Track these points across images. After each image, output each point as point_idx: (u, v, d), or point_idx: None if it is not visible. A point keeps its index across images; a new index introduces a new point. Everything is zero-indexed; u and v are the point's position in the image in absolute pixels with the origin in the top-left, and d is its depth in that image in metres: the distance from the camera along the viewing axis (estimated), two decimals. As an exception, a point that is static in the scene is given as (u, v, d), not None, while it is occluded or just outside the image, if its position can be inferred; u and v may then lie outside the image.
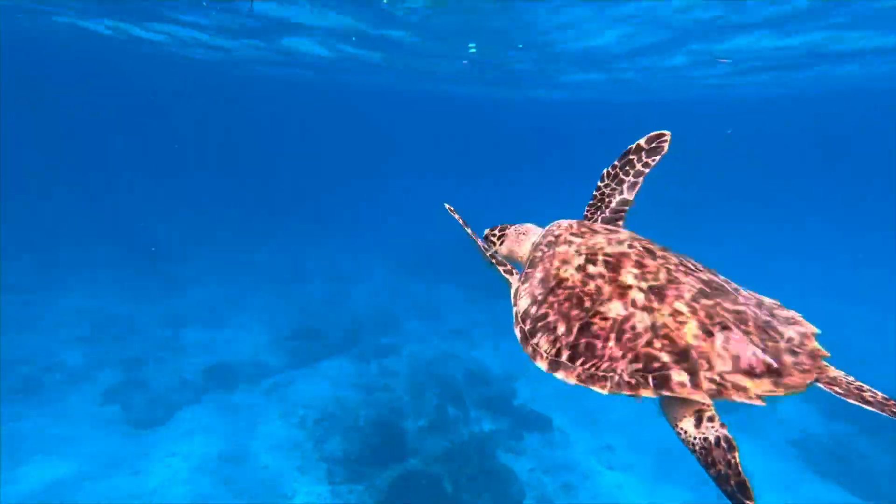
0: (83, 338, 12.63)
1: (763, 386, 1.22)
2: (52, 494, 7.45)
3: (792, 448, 10.60)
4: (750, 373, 1.25)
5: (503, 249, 2.29)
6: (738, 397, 1.22)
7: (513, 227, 2.30)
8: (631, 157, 2.04)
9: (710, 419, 1.27)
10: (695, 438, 1.26)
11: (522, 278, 1.90)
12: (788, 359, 1.27)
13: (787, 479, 9.59)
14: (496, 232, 2.36)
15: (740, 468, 1.16)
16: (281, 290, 17.39)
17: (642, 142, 2.02)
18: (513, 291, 1.92)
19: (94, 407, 9.83)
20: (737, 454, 1.19)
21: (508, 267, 2.05)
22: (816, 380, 1.24)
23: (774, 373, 1.24)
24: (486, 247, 2.19)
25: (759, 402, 1.21)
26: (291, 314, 15.04)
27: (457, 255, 22.82)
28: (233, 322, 14.33)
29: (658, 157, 2.00)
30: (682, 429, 1.31)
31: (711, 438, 1.23)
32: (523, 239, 2.18)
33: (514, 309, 1.83)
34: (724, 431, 1.24)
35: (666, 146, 1.97)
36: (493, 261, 2.07)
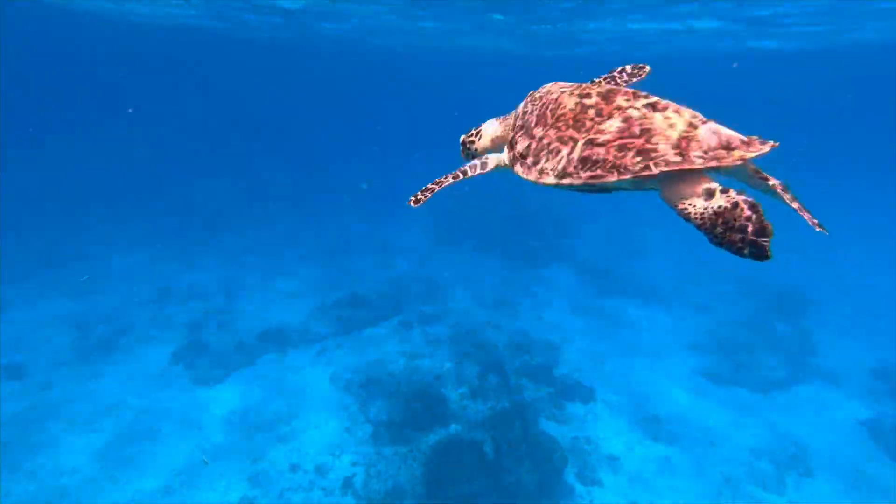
0: (150, 301, 13.66)
1: (738, 153, 1.46)
2: (126, 445, 8.23)
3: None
4: (728, 147, 1.48)
5: (485, 142, 2.31)
6: (724, 161, 1.44)
7: (487, 121, 2.34)
8: (614, 74, 2.19)
9: (723, 191, 1.42)
10: (705, 209, 1.42)
11: (515, 133, 1.98)
12: (752, 137, 1.51)
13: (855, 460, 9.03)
14: (472, 132, 2.37)
15: (763, 216, 1.32)
16: (328, 259, 17.92)
17: (627, 67, 2.21)
18: (506, 149, 2.02)
19: (163, 366, 10.67)
20: (760, 207, 1.34)
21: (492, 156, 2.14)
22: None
23: (745, 144, 1.48)
24: (467, 153, 2.28)
25: (738, 162, 1.45)
26: (338, 283, 15.51)
27: (500, 224, 22.54)
28: (283, 290, 14.98)
29: (636, 80, 2.15)
30: (691, 205, 1.45)
31: (727, 204, 1.37)
32: (503, 119, 2.24)
33: (512, 153, 1.94)
34: (744, 195, 1.39)
35: (644, 75, 2.15)
36: (453, 178, 2.17)
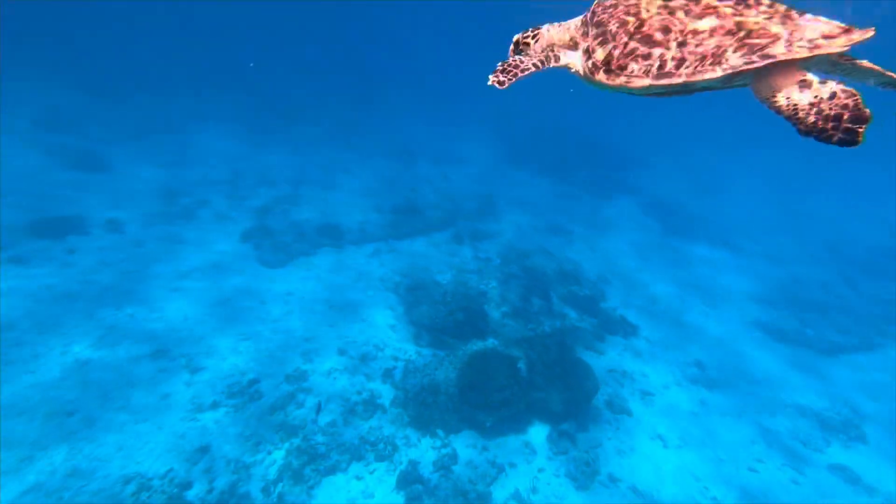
0: (227, 181, 14.53)
1: (840, 42, 1.39)
2: (202, 307, 9.25)
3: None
4: (829, 36, 1.41)
5: (541, 45, 2.08)
6: (827, 49, 1.39)
7: (545, 25, 2.10)
8: None
9: (822, 82, 1.41)
10: (800, 100, 1.40)
11: (591, 42, 1.82)
12: (850, 26, 1.43)
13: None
14: (528, 32, 2.13)
15: (861, 103, 1.32)
16: (389, 163, 17.96)
17: None
18: (581, 57, 1.86)
19: (234, 244, 11.57)
20: (859, 95, 1.34)
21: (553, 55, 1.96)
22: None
23: (845, 31, 1.41)
24: (519, 59, 2.00)
25: (842, 48, 1.38)
26: (397, 187, 15.65)
27: (565, 150, 21.27)
28: (344, 187, 15.35)
29: None
30: (784, 97, 1.43)
31: (825, 94, 1.36)
32: (563, 24, 2.03)
33: (590, 61, 1.79)
34: (842, 85, 1.38)
35: None
36: (533, 66, 1.96)
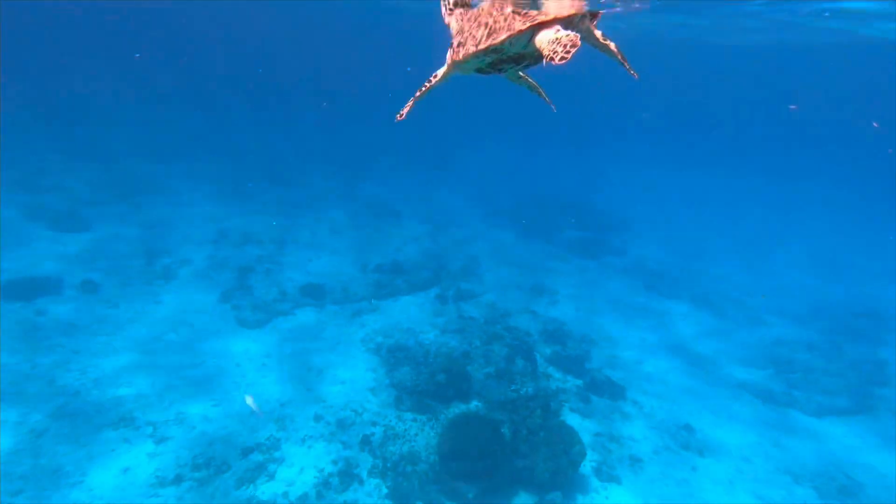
0: (210, 241, 14.51)
1: (571, 9, 1.93)
2: (171, 372, 8.90)
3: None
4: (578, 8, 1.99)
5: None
6: (570, 11, 1.94)
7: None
8: None
9: (563, 29, 1.95)
10: (552, 39, 1.91)
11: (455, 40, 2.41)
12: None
13: None
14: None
15: (577, 40, 1.89)
16: (375, 223, 18.22)
17: None
18: (448, 53, 2.42)
19: (213, 303, 11.37)
20: (578, 38, 1.90)
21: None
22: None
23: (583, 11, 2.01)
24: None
25: (580, 11, 1.94)
26: (382, 247, 15.77)
27: (551, 211, 21.93)
28: (329, 247, 15.43)
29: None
30: (545, 39, 1.93)
31: (561, 35, 1.91)
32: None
33: (451, 50, 2.37)
34: (571, 34, 1.92)
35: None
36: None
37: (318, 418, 8.17)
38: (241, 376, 8.97)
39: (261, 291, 11.90)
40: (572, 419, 8.80)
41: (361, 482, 7.08)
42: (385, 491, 6.97)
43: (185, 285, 11.95)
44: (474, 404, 8.81)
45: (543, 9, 2.14)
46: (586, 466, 7.81)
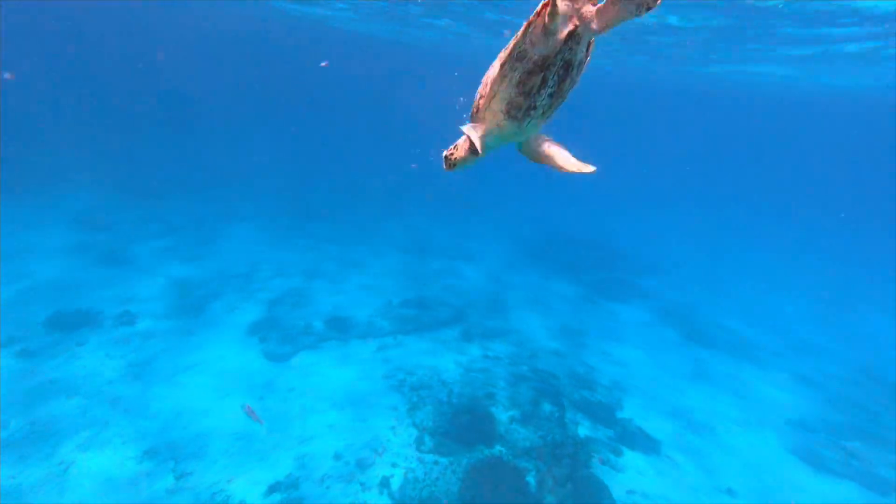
0: (242, 274, 14.92)
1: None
2: (195, 399, 8.98)
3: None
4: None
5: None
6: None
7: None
8: None
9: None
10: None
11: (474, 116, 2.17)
12: None
13: None
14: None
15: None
16: (402, 258, 18.38)
17: None
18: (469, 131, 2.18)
19: (241, 335, 11.54)
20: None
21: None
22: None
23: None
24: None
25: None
26: (408, 283, 15.82)
27: (580, 252, 21.67)
28: (355, 282, 15.59)
29: None
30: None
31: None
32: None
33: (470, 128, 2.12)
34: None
35: None
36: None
37: (337, 457, 8.00)
38: (264, 410, 8.94)
39: (287, 325, 12.04)
40: (602, 472, 8.29)
41: (379, 528, 6.79)
42: (403, 539, 6.65)
43: (216, 318, 12.21)
44: (498, 449, 8.46)
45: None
46: (617, 525, 7.28)
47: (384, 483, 7.56)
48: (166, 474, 7.09)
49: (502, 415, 9.37)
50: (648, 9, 1.48)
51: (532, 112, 1.75)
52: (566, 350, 12.90)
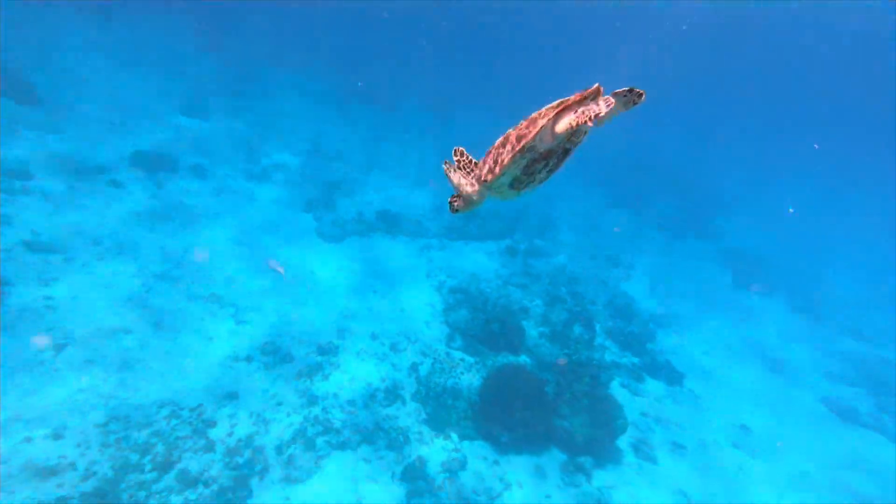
0: (306, 151, 15.36)
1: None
2: (253, 265, 9.78)
3: None
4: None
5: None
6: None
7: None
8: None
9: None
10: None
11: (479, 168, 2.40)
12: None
13: None
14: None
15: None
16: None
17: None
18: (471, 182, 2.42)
19: (297, 212, 12.16)
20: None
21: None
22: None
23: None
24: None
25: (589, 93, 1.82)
26: (461, 189, 15.73)
27: (643, 180, 20.34)
28: (412, 178, 15.67)
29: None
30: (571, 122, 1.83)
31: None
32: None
33: (481, 174, 2.30)
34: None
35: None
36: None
37: (374, 337, 8.70)
38: (314, 283, 9.68)
39: (341, 209, 12.49)
40: (621, 394, 8.59)
41: (404, 403, 7.54)
42: (424, 416, 7.38)
43: (277, 189, 12.85)
44: (523, 359, 8.87)
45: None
46: (624, 441, 7.69)
47: (413, 368, 8.23)
48: (227, 319, 8.04)
49: (532, 330, 9.68)
50: (635, 103, 1.75)
51: (531, 184, 2.14)
52: (609, 279, 12.76)
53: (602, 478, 7.09)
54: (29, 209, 8.71)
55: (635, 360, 9.69)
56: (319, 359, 7.85)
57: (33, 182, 9.42)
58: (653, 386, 9.21)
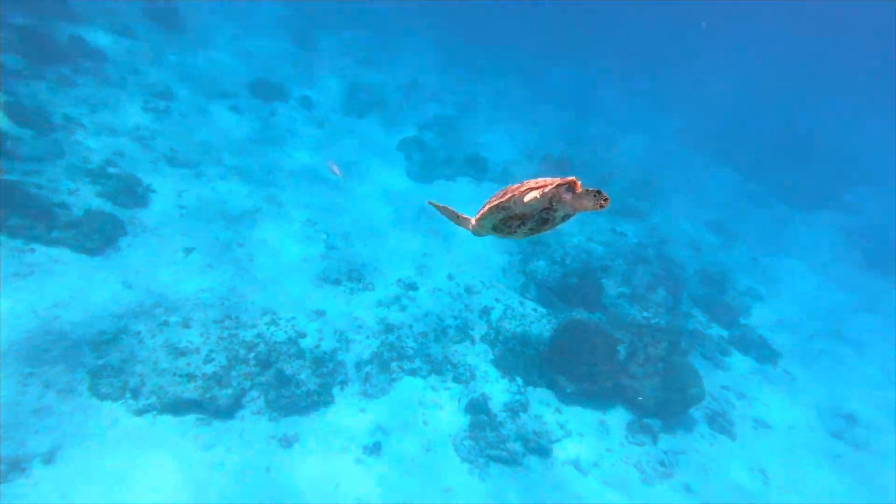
0: (403, 87, 15.58)
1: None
2: (337, 194, 10.38)
3: None
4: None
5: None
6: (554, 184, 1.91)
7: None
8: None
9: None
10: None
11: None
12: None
13: None
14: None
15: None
16: (559, 114, 17.23)
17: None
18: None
19: (391, 150, 12.44)
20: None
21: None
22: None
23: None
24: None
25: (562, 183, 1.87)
26: (556, 139, 15.08)
27: (765, 143, 17.88)
28: (504, 124, 15.31)
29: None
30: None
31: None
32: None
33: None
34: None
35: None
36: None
37: (450, 277, 8.99)
38: (398, 220, 10.11)
39: (431, 150, 12.60)
40: (701, 365, 8.13)
41: (473, 342, 7.84)
42: (492, 358, 7.64)
43: (373, 127, 13.29)
44: (598, 316, 8.67)
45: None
46: (699, 411, 7.39)
47: (485, 311, 8.44)
48: (318, 244, 8.78)
49: (612, 289, 9.35)
50: (602, 207, 1.80)
51: (513, 235, 2.20)
52: (705, 246, 11.75)
53: (669, 442, 6.93)
54: (170, 127, 9.93)
55: (723, 332, 9.04)
56: (398, 291, 8.35)
57: (173, 103, 10.66)
58: (739, 361, 8.59)
